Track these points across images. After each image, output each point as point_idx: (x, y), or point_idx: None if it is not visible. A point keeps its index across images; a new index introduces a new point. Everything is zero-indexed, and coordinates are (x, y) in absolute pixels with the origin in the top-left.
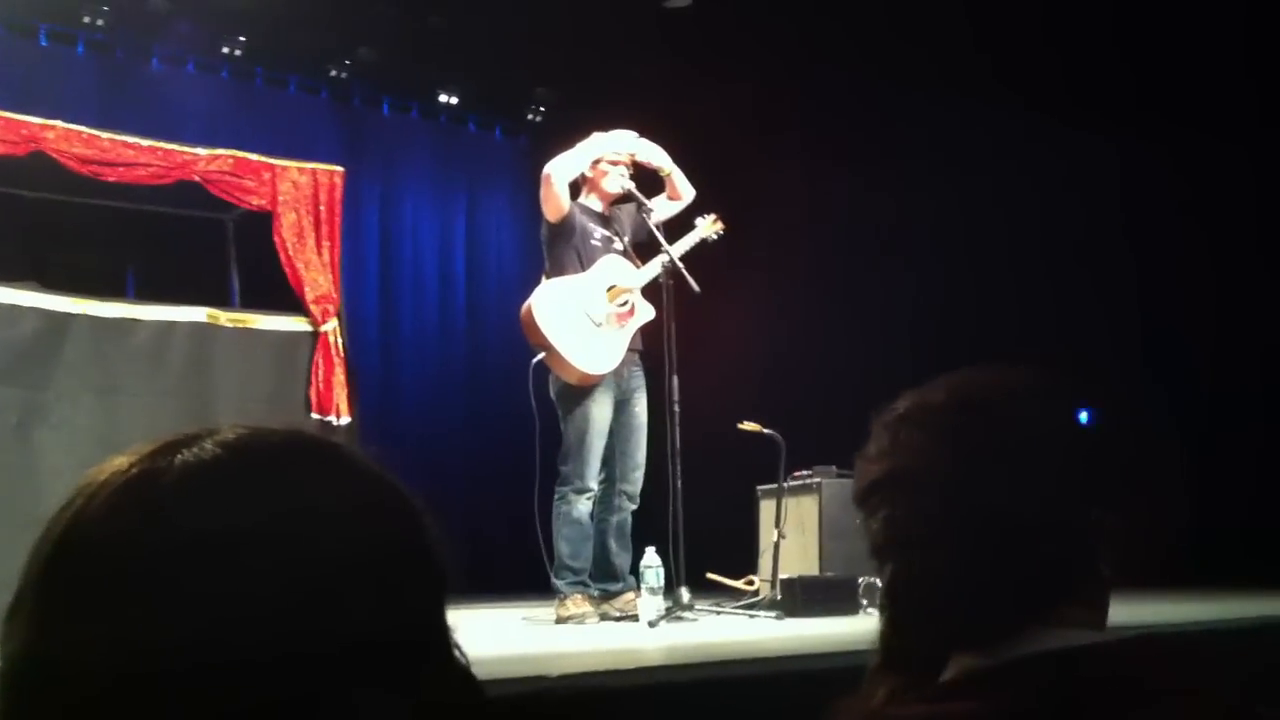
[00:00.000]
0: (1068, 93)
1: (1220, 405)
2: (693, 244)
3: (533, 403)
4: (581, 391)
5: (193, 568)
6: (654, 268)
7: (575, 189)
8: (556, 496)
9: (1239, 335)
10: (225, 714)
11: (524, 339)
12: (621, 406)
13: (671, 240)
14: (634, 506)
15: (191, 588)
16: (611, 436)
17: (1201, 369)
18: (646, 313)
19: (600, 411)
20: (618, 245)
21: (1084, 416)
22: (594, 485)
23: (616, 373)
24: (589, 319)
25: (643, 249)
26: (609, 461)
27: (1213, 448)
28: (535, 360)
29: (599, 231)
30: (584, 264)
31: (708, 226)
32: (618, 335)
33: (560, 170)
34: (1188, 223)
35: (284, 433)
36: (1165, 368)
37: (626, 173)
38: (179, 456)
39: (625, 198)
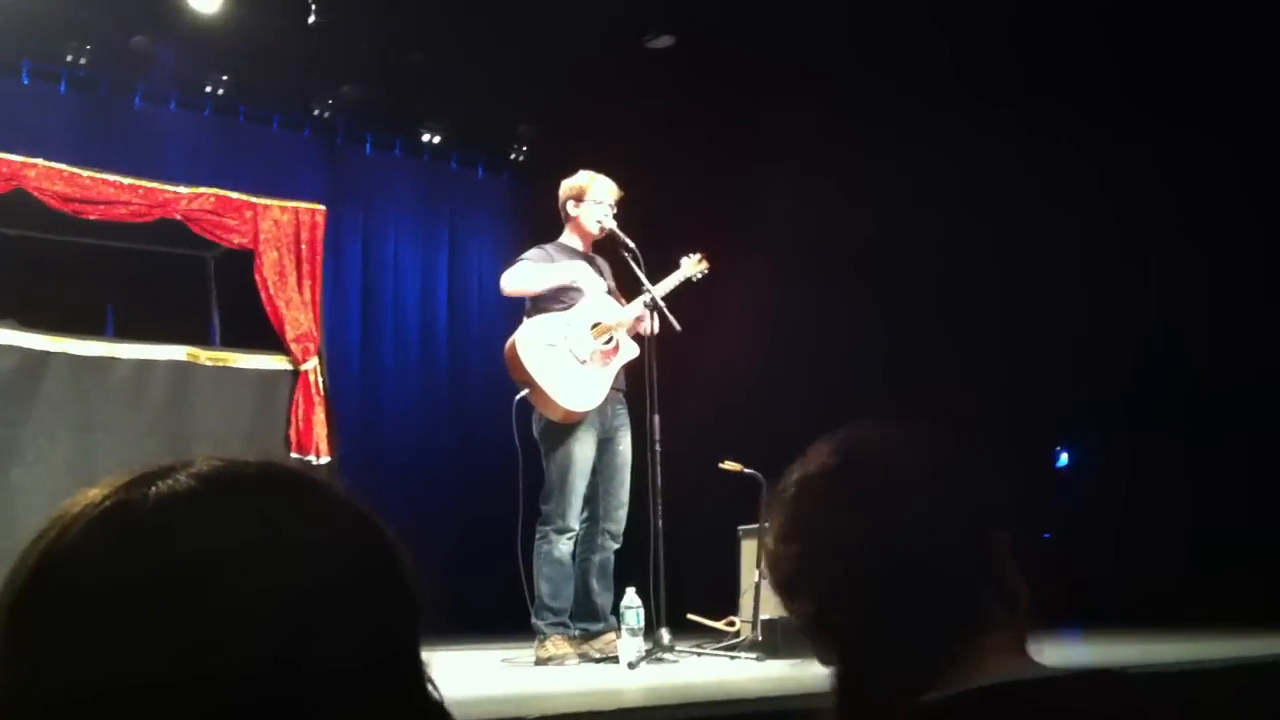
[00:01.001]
0: (1054, 105)
1: (1212, 414)
2: (677, 283)
3: (516, 440)
4: (564, 430)
5: (166, 598)
6: (637, 306)
7: (558, 229)
8: (538, 536)
9: (1231, 340)
10: None
11: (507, 377)
12: (605, 445)
13: (656, 279)
14: (617, 546)
15: (165, 617)
16: (594, 475)
17: (1194, 376)
18: (630, 350)
19: (583, 450)
20: (599, 286)
21: (1064, 459)
22: (576, 525)
23: (600, 411)
24: (573, 356)
25: (627, 291)
26: (592, 500)
27: (1207, 455)
28: (518, 397)
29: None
30: (566, 303)
31: (692, 265)
32: (601, 373)
33: (514, 288)
34: (1175, 230)
35: (258, 464)
36: (1154, 378)
37: (610, 213)
38: (153, 488)
39: (607, 238)
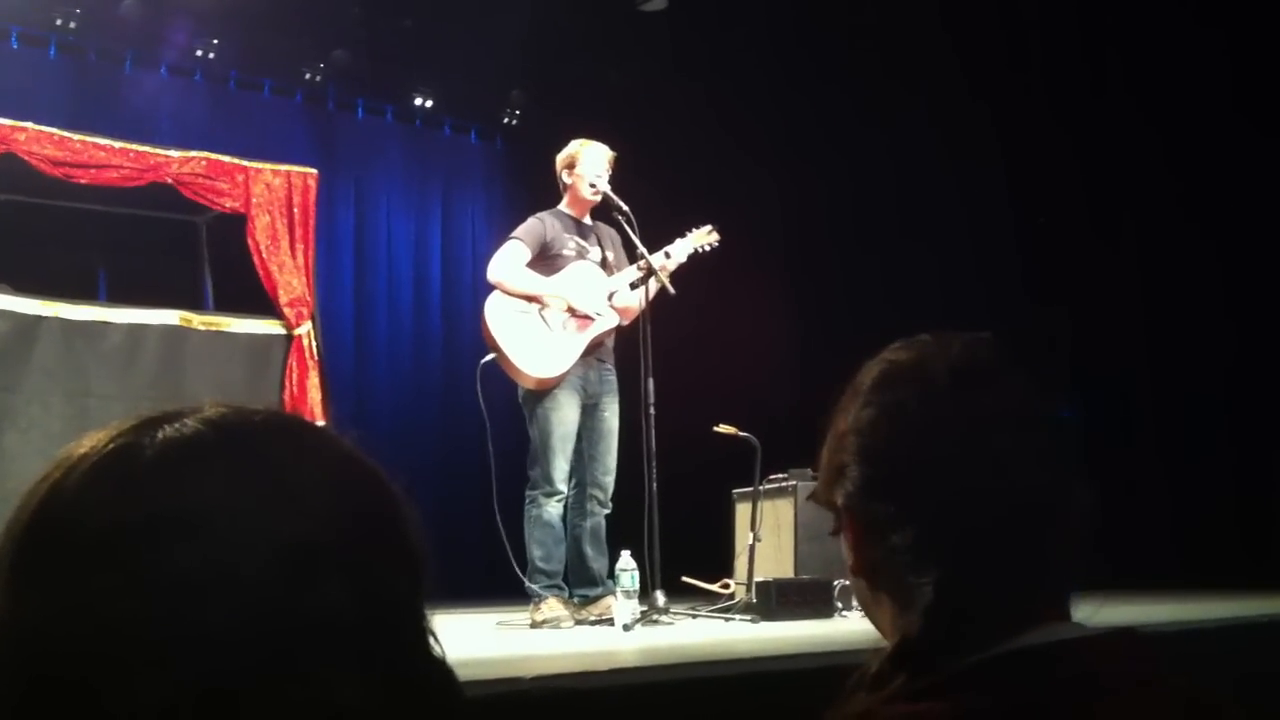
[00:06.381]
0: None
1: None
2: (686, 253)
3: (481, 404)
4: (543, 395)
5: (168, 542)
6: (630, 272)
7: (551, 194)
8: (527, 501)
9: (1212, 339)
10: (197, 689)
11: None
12: (590, 411)
13: (653, 244)
14: (606, 511)
15: (167, 562)
16: (580, 441)
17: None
18: (609, 319)
19: (561, 414)
20: (594, 255)
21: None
22: (563, 487)
23: (583, 377)
24: (543, 322)
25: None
26: (578, 467)
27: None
28: (482, 361)
29: (572, 241)
30: (548, 271)
31: (701, 236)
32: (573, 339)
33: (497, 280)
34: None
35: (265, 412)
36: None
37: (604, 177)
38: (160, 432)
39: (603, 203)
